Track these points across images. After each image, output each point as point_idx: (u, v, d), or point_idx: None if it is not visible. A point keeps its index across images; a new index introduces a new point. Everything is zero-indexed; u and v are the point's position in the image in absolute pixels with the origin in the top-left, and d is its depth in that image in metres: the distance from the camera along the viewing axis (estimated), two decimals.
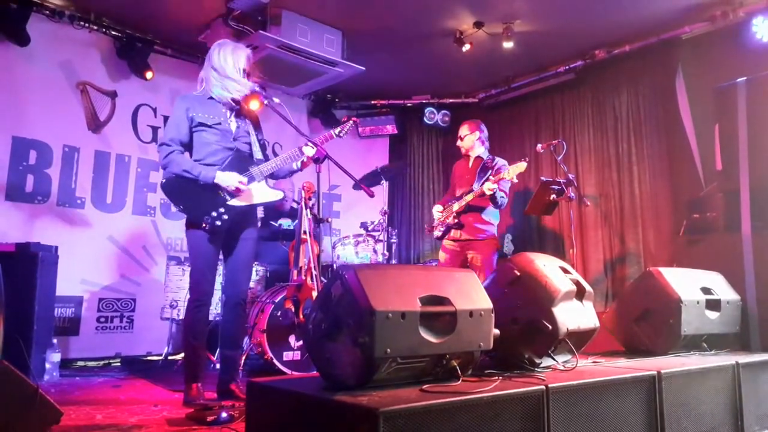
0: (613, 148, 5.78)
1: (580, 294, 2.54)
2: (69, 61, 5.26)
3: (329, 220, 5.35)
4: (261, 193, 3.26)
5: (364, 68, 5.46)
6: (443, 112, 7.00)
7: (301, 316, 2.94)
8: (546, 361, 2.38)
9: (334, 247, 5.29)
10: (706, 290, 3.25)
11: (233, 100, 3.27)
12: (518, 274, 2.44)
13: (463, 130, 4.84)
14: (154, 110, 5.82)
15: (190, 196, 3.12)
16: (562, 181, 4.74)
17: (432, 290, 2.02)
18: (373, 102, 7.07)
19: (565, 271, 2.54)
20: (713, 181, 4.50)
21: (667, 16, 5.07)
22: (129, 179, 5.59)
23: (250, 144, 3.34)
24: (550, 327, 2.29)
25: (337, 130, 3.46)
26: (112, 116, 5.51)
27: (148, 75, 5.55)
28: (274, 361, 3.94)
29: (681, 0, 4.83)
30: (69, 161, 5.23)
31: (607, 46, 5.67)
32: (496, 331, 2.14)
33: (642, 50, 5.54)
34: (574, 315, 2.43)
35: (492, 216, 4.61)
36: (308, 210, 4.25)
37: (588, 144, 5.97)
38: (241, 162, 3.24)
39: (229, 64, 3.26)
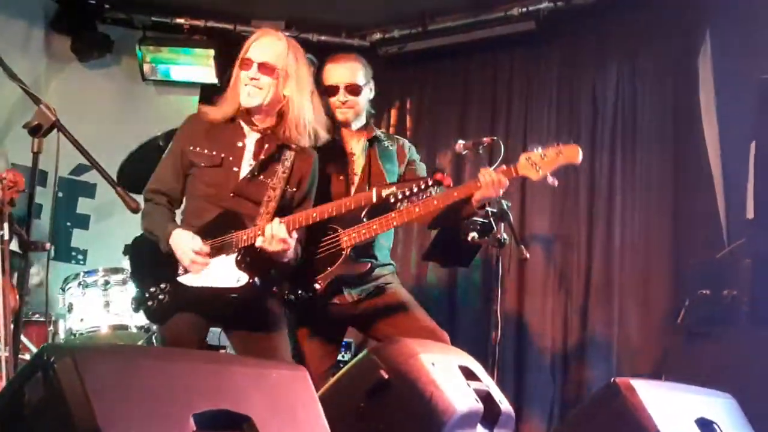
0: (587, 159, 3.77)
1: (492, 417, 1.95)
2: None
3: (48, 246, 3.31)
4: None
5: None
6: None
7: None
8: None
9: (63, 290, 3.81)
10: (704, 424, 2.51)
11: None
12: (386, 376, 1.81)
13: (355, 73, 3.00)
14: None
15: None
16: (490, 210, 3.12)
17: (220, 402, 1.44)
18: (178, 20, 4.53)
19: (470, 375, 1.98)
20: (740, 236, 3.62)
21: None
22: None
23: None
24: None
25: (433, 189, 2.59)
26: None
27: None
28: None
29: None
30: None
31: None
32: None
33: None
34: None
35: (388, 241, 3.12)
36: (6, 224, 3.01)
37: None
38: None
39: None
